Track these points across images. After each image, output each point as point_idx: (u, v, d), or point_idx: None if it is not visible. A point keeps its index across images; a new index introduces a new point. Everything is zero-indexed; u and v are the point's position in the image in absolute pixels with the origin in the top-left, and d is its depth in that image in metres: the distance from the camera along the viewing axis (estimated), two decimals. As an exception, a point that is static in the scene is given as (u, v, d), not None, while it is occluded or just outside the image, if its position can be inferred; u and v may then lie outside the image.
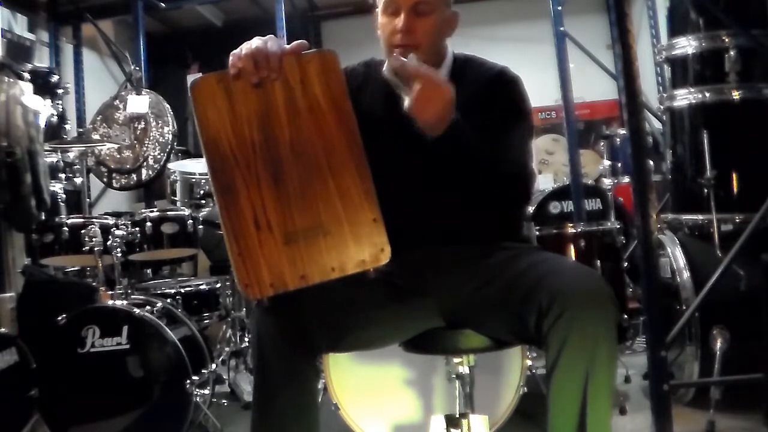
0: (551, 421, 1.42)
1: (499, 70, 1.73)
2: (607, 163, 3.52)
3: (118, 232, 2.79)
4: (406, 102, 1.45)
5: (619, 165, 3.53)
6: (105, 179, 4.38)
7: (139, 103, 4.32)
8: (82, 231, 2.77)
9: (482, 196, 1.62)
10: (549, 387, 1.42)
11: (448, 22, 1.71)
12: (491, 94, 1.68)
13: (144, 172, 4.29)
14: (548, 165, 5.46)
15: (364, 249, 1.44)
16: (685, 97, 2.78)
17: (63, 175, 3.80)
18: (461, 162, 1.54)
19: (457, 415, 1.67)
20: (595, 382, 1.37)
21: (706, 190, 2.63)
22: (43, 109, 3.66)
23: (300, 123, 1.44)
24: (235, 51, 1.43)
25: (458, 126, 1.50)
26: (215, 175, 1.44)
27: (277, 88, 1.43)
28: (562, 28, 3.92)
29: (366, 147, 1.45)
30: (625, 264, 2.96)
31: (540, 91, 5.14)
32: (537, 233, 2.84)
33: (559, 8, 3.92)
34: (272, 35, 1.46)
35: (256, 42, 1.43)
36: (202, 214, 3.36)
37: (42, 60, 4.84)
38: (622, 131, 3.49)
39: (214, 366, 2.82)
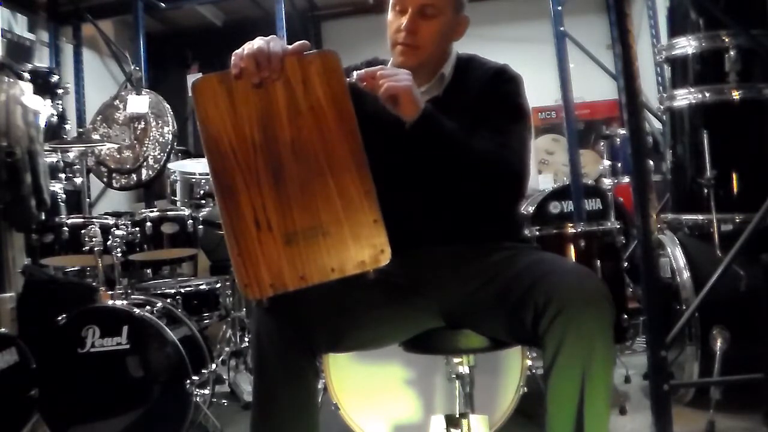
0: (549, 422, 1.42)
1: (499, 68, 1.74)
2: (607, 163, 3.52)
3: (118, 232, 2.79)
4: (381, 90, 1.48)
5: (619, 165, 3.53)
6: (105, 179, 4.38)
7: (139, 103, 4.32)
8: (82, 231, 2.77)
9: (477, 186, 1.60)
10: (546, 387, 1.42)
11: (456, 27, 1.72)
12: (490, 90, 1.69)
13: (144, 172, 4.29)
14: (548, 165, 5.47)
15: (363, 250, 1.44)
16: (685, 97, 2.78)
17: (63, 175, 3.80)
18: (440, 147, 1.55)
19: (457, 415, 1.67)
20: (592, 382, 1.37)
21: (706, 190, 2.64)
22: (43, 109, 3.66)
23: (301, 123, 1.43)
24: (237, 51, 1.43)
25: (429, 111, 1.52)
26: (216, 174, 1.44)
27: (278, 88, 1.43)
28: (562, 28, 3.92)
29: (367, 148, 1.45)
30: (625, 264, 2.96)
31: (540, 91, 5.15)
32: (537, 233, 2.84)
33: (559, 8, 3.92)
34: (274, 35, 1.46)
35: (258, 42, 1.42)
36: (202, 214, 3.36)
37: (42, 60, 4.84)
38: (622, 131, 3.48)
39: (214, 366, 2.82)
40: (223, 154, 1.43)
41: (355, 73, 1.51)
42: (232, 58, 1.43)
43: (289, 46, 1.45)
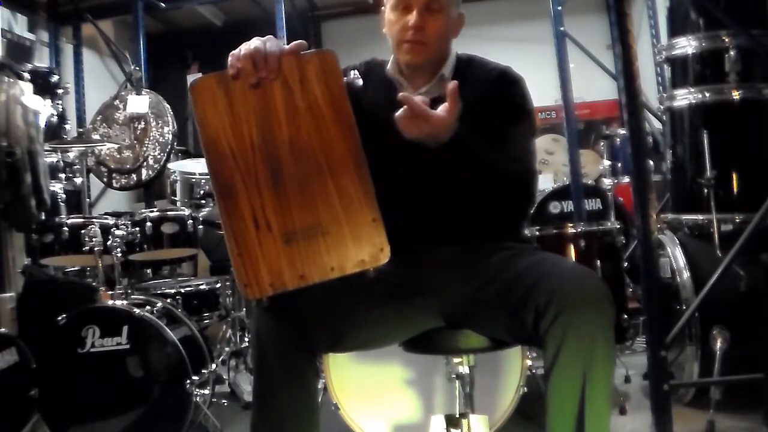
0: (549, 422, 1.42)
1: (502, 70, 1.74)
2: (607, 163, 3.52)
3: (118, 232, 2.79)
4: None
5: (619, 165, 3.53)
6: (105, 179, 4.38)
7: (139, 103, 4.32)
8: (82, 231, 2.77)
9: (483, 197, 1.61)
10: (547, 388, 1.42)
11: (456, 22, 1.73)
12: (494, 94, 1.69)
13: (144, 172, 4.29)
14: (548, 165, 5.46)
15: (363, 249, 1.44)
16: (685, 97, 2.79)
17: (63, 175, 3.80)
18: (463, 169, 1.54)
19: (457, 415, 1.67)
20: (592, 383, 1.37)
21: (706, 190, 2.64)
22: (43, 109, 3.66)
23: (299, 123, 1.44)
24: (234, 51, 1.43)
25: (459, 140, 1.49)
26: (215, 175, 1.44)
27: (276, 88, 1.43)
28: (562, 28, 3.92)
29: (365, 147, 1.45)
30: (625, 264, 2.96)
31: (540, 91, 5.11)
32: (537, 233, 2.84)
33: (559, 8, 3.92)
34: (271, 36, 1.46)
35: (255, 42, 1.43)
36: (202, 214, 3.36)
37: (42, 60, 4.84)
38: (622, 131, 3.48)
39: (214, 366, 2.82)
40: (221, 154, 1.43)
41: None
42: (229, 58, 1.43)
43: (286, 46, 1.45)
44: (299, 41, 1.46)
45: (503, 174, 1.57)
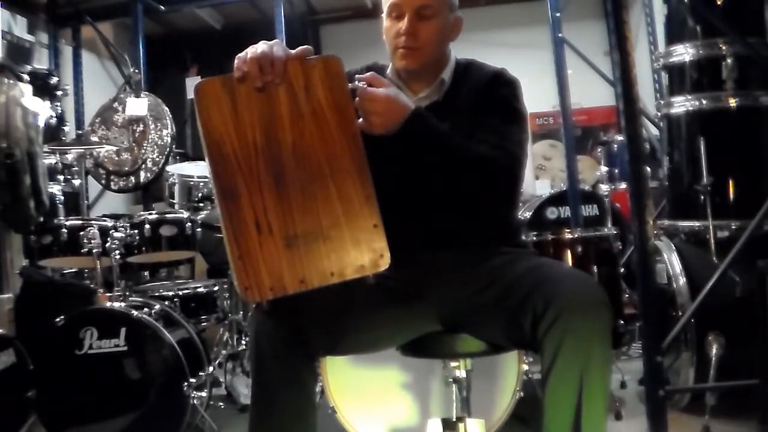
0: (546, 426, 1.43)
1: (497, 71, 1.76)
2: (604, 169, 3.54)
3: (117, 234, 2.79)
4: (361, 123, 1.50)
5: (616, 171, 3.55)
6: (103, 181, 4.38)
7: (137, 105, 4.32)
8: (81, 233, 2.77)
9: (470, 186, 1.61)
10: (544, 392, 1.43)
11: (452, 27, 1.74)
12: (488, 93, 1.70)
13: (142, 174, 4.29)
14: (546, 171, 5.49)
15: (363, 254, 1.45)
16: (682, 104, 2.80)
17: (61, 177, 3.80)
18: (430, 149, 1.56)
19: (454, 419, 1.68)
20: (589, 387, 1.38)
21: (702, 197, 2.65)
22: (43, 110, 3.66)
23: (303, 128, 1.44)
24: (240, 54, 1.44)
25: (418, 116, 1.53)
26: (217, 177, 1.44)
27: (281, 92, 1.44)
28: (560, 35, 3.94)
29: (368, 152, 1.46)
30: (622, 270, 2.97)
31: (538, 96, 5.17)
32: (534, 239, 2.85)
33: (558, 14, 3.94)
34: (278, 40, 1.47)
35: (261, 46, 1.43)
36: (200, 216, 3.36)
37: (41, 62, 4.83)
38: (620, 137, 3.51)
39: (211, 369, 2.82)
40: (224, 157, 1.43)
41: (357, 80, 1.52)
42: (236, 61, 1.44)
43: (292, 51, 1.45)
44: (305, 46, 1.47)
45: (483, 159, 1.57)
